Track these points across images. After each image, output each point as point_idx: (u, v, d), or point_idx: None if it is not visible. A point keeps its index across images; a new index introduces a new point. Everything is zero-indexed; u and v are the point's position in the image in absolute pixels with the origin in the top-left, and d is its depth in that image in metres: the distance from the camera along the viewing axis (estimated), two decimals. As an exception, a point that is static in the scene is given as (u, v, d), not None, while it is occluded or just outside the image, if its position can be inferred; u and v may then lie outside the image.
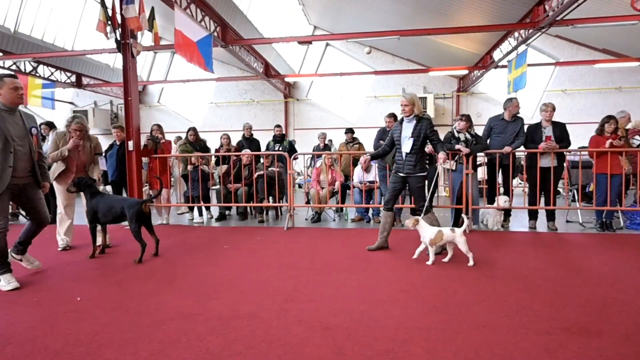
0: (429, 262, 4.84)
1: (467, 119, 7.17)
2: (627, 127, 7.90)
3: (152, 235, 5.26)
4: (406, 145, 5.22)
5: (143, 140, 8.22)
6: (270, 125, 19.32)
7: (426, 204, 5.36)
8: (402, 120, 5.38)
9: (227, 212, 8.92)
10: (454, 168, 7.19)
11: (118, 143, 7.71)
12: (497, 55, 14.12)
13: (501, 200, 7.11)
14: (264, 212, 8.32)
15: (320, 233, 7.03)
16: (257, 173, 8.31)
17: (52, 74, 14.95)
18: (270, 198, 8.38)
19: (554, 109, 7.03)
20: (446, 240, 4.84)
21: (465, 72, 16.95)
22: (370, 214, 8.18)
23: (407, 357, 2.62)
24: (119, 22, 7.44)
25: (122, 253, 5.46)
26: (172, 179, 8.58)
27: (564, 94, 17.66)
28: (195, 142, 8.85)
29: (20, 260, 4.62)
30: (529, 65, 16.78)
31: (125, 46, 7.54)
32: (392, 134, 5.46)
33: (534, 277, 4.32)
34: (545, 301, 3.59)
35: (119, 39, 7.50)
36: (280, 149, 9.82)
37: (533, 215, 7.40)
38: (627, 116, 8.02)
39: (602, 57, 16.64)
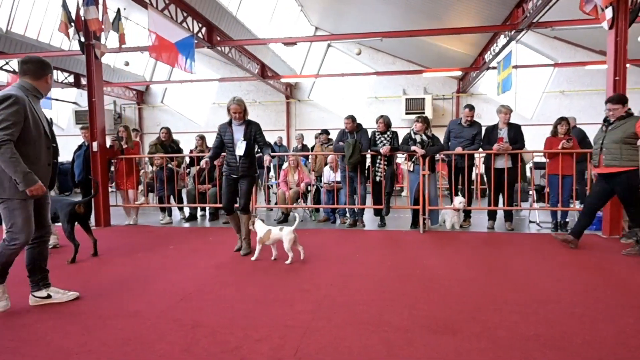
0: (253, 259, 5.14)
1: (424, 120, 7.21)
2: None
3: (89, 236, 5.40)
4: (240, 149, 5.27)
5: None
6: (272, 125, 19.53)
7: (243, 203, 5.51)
8: (230, 122, 5.40)
9: (201, 213, 9.06)
10: (411, 169, 7.22)
11: (87, 144, 7.89)
12: (488, 57, 14.03)
13: (456, 201, 7.13)
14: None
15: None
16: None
17: (49, 74, 15.26)
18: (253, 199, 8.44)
19: (510, 111, 7.00)
20: (274, 238, 5.04)
21: (462, 73, 16.86)
22: (336, 214, 8.24)
23: (254, 354, 2.68)
24: (83, 23, 7.56)
25: (65, 253, 5.54)
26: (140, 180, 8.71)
27: (562, 95, 17.49)
28: (167, 143, 8.96)
29: (48, 296, 3.61)
30: (528, 66, 16.87)
31: (89, 47, 7.69)
32: (221, 137, 5.44)
33: (443, 276, 4.35)
34: (432, 300, 3.64)
35: (82, 40, 7.65)
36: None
37: (492, 216, 7.42)
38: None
39: (600, 58, 16.37)
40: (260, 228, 5.10)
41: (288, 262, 4.96)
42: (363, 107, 19.11)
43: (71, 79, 16.31)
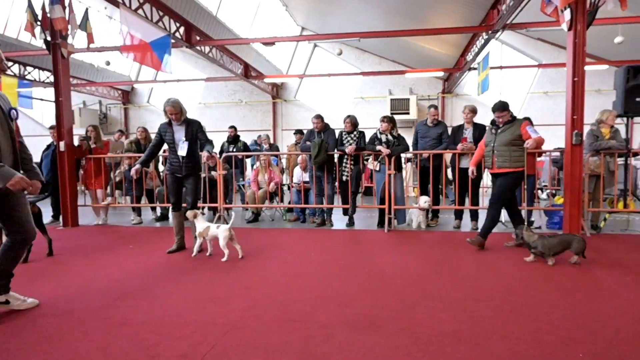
0: (193, 254, 5.33)
1: (390, 120, 7.26)
2: None
3: (44, 235, 5.40)
4: (182, 149, 5.31)
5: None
6: (258, 125, 19.56)
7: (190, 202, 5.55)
8: (170, 123, 5.40)
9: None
10: (377, 169, 7.25)
11: (56, 143, 7.88)
12: (469, 57, 14.09)
13: (421, 201, 7.17)
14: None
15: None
16: (219, 172, 8.38)
17: (29, 72, 15.21)
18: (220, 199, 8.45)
19: (472, 111, 7.04)
20: (212, 235, 5.19)
21: (446, 74, 16.95)
22: (306, 214, 8.27)
23: (169, 351, 2.70)
24: (49, 22, 7.54)
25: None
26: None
27: (546, 95, 17.62)
28: (143, 142, 8.93)
29: (6, 302, 3.42)
30: (512, 67, 16.99)
31: (55, 47, 7.69)
32: (161, 137, 5.44)
33: (389, 275, 4.39)
34: (368, 298, 3.68)
35: (48, 39, 7.65)
36: (235, 150, 9.97)
37: (458, 215, 7.47)
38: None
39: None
40: (200, 223, 5.25)
41: (224, 259, 5.06)
42: (350, 107, 19.14)
43: (52, 78, 16.19)
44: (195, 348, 2.75)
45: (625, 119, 6.76)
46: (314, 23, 18.08)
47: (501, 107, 5.47)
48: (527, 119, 5.71)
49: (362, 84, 19.23)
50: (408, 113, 17.61)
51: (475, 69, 13.95)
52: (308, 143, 7.49)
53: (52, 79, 16.01)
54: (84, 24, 7.79)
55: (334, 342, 2.83)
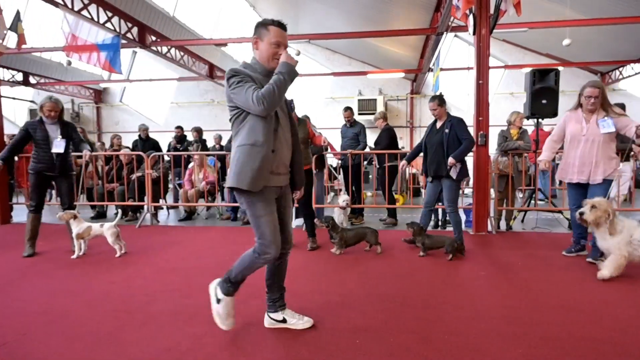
0: (74, 257, 5.23)
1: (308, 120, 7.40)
2: None
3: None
4: (59, 147, 5.36)
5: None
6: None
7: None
8: (41, 120, 5.41)
9: (115, 212, 9.19)
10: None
11: (-12, 142, 8.03)
12: (428, 59, 14.29)
13: (340, 200, 7.33)
14: (136, 212, 8.59)
15: (157, 231, 7.30)
16: (137, 174, 8.54)
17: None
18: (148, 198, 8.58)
19: (380, 117, 7.25)
20: (94, 234, 5.25)
21: (413, 74, 17.17)
22: (239, 213, 8.42)
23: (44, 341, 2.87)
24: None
25: None
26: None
27: (512, 96, 17.81)
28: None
29: (284, 320, 3.12)
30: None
31: (-16, 48, 7.85)
32: (27, 134, 5.38)
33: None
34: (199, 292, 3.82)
35: (-22, 41, 7.81)
36: (182, 149, 10.12)
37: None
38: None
39: (547, 61, 16.79)
40: (80, 224, 5.28)
41: (118, 255, 5.22)
42: (320, 107, 19.35)
43: (19, 77, 16.39)
44: None
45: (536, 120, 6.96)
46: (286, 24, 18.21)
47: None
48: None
49: (333, 84, 19.42)
50: (375, 113, 17.75)
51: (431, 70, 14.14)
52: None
53: (19, 77, 16.37)
54: (15, 25, 7.93)
55: (130, 329, 3.06)
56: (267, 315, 3.14)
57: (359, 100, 18.03)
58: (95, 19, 10.07)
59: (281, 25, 2.81)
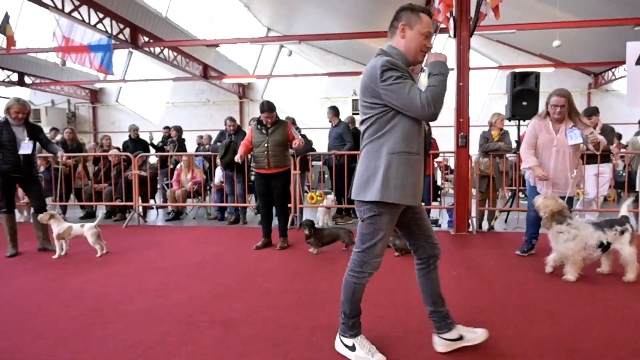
0: (55, 257, 5.30)
1: (293, 122, 7.54)
2: None
3: None
4: (26, 148, 5.39)
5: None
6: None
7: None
8: (6, 122, 5.39)
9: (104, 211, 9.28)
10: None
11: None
12: (419, 59, 14.36)
13: (326, 199, 7.43)
14: (126, 211, 8.66)
15: (143, 231, 7.39)
16: (127, 173, 8.62)
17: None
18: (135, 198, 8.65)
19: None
20: (75, 234, 5.32)
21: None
22: (225, 212, 8.50)
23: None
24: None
25: None
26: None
27: (505, 97, 17.73)
28: (69, 143, 9.09)
29: (460, 338, 2.74)
30: (473, 69, 17.18)
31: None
32: (1, 136, 5.35)
33: (218, 269, 4.64)
34: (156, 290, 3.93)
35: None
36: (157, 148, 10.25)
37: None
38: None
39: (540, 61, 16.89)
40: (59, 225, 5.34)
41: (98, 255, 5.30)
42: (315, 107, 19.44)
43: (14, 77, 16.48)
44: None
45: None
46: (280, 24, 18.34)
47: (270, 109, 5.59)
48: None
49: (328, 84, 19.54)
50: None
51: (423, 70, 14.22)
52: (218, 144, 7.73)
53: (14, 78, 16.45)
54: (4, 27, 8.01)
55: (113, 328, 3.11)
56: (439, 338, 2.73)
57: (352, 100, 18.10)
58: (87, 21, 10.15)
59: (431, 15, 2.55)
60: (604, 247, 4.08)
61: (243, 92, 19.97)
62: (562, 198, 4.50)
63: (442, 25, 8.49)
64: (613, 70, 16.28)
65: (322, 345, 2.84)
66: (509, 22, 11.94)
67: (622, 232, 4.10)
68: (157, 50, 13.27)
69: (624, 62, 15.04)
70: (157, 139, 11.71)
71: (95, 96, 20.80)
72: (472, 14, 6.53)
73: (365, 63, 12.23)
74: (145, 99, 20.68)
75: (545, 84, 17.30)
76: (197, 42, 13.75)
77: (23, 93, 19.62)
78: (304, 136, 7.47)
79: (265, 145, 5.58)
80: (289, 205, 7.42)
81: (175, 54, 14.41)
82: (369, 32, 13.07)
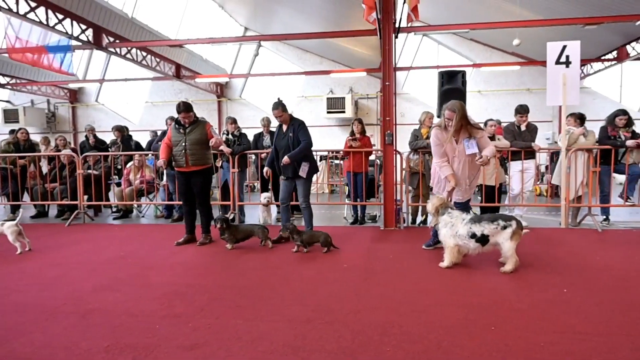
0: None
1: (233, 121, 7.67)
2: None
3: None
4: None
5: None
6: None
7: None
8: None
9: (59, 209, 9.42)
10: (219, 165, 7.65)
11: None
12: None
13: (262, 197, 7.58)
14: (73, 210, 8.79)
15: (82, 229, 7.48)
16: (78, 172, 8.73)
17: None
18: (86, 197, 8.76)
19: None
20: None
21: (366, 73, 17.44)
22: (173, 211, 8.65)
23: None
24: None
25: None
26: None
27: (479, 94, 18.03)
28: (22, 143, 9.20)
29: None
30: (447, 67, 17.34)
31: None
32: None
33: (148, 268, 4.78)
34: (92, 285, 4.06)
35: None
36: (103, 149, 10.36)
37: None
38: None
39: (513, 60, 17.00)
40: None
41: (18, 252, 5.45)
42: (292, 106, 19.53)
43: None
44: None
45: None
46: (257, 24, 18.48)
47: (187, 108, 5.82)
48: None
49: (305, 83, 19.64)
50: (344, 112, 17.99)
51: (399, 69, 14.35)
52: (159, 143, 7.85)
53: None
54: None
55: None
56: None
57: (327, 98, 18.22)
58: (45, 22, 10.23)
59: None
60: (479, 239, 4.23)
61: (221, 91, 20.08)
62: (464, 202, 4.92)
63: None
64: (582, 68, 16.38)
65: (167, 332, 2.98)
66: (471, 22, 12.02)
67: (505, 227, 4.24)
68: (124, 50, 13.35)
69: (592, 60, 15.30)
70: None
71: (75, 96, 20.91)
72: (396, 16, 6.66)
73: (341, 62, 12.42)
74: (125, 99, 20.79)
75: (517, 82, 17.69)
76: (164, 42, 13.83)
77: (3, 93, 19.83)
78: (241, 135, 7.64)
79: (183, 144, 5.75)
80: (228, 203, 7.63)
81: (145, 53, 14.48)
82: (336, 31, 13.20)
